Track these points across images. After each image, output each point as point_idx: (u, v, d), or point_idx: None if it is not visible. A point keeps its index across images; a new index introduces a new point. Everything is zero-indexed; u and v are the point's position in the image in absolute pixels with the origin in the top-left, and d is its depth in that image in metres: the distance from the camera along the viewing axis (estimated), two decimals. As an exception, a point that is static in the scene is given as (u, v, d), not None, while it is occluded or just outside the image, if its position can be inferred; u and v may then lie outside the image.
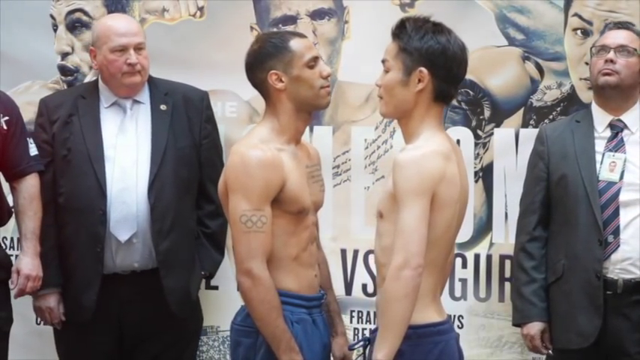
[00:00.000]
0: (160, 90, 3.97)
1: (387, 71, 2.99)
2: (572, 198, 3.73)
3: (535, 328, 3.79)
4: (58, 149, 3.90)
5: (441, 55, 2.93)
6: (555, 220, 3.81)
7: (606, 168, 3.72)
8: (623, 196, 3.68)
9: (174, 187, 3.87)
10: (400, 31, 2.96)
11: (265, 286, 3.08)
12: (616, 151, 3.74)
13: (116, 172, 3.84)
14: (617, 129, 3.78)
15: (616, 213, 3.67)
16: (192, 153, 3.96)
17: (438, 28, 2.96)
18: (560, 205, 3.78)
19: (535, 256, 3.80)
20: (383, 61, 3.00)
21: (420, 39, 2.93)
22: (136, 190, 3.83)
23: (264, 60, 3.17)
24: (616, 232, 3.66)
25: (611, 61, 3.71)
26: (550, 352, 3.84)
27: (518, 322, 3.86)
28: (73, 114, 3.92)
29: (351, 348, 3.30)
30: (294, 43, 3.18)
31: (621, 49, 3.73)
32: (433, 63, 2.93)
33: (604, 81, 3.73)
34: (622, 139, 3.76)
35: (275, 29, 4.17)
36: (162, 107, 3.94)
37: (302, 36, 3.28)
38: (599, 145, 3.77)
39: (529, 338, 3.81)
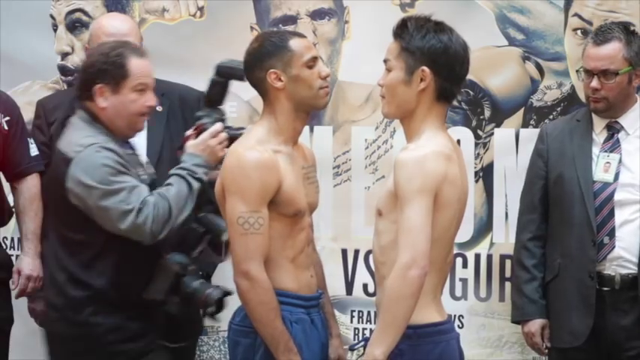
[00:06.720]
0: (157, 91, 3.95)
1: (388, 71, 2.97)
2: (568, 198, 3.73)
3: (536, 325, 3.79)
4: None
5: (443, 54, 2.92)
6: (552, 219, 3.81)
7: (601, 169, 3.72)
8: (618, 196, 3.67)
9: (170, 189, 3.86)
10: (402, 30, 2.95)
11: (263, 287, 3.07)
12: (611, 152, 3.74)
13: (112, 175, 3.83)
14: (614, 130, 3.77)
15: (611, 214, 3.67)
16: (189, 154, 3.95)
17: (440, 27, 2.95)
18: (557, 204, 3.78)
19: (535, 254, 3.80)
20: (385, 61, 2.99)
21: (421, 38, 2.92)
22: (131, 192, 3.82)
23: (263, 59, 3.16)
24: (611, 233, 3.66)
25: (596, 89, 3.68)
26: (546, 350, 3.84)
27: (518, 319, 3.86)
28: (70, 116, 3.90)
29: (352, 348, 3.29)
30: (294, 43, 3.17)
31: (604, 73, 3.67)
32: (435, 62, 2.92)
33: (594, 107, 3.73)
34: (617, 139, 3.75)
35: (275, 29, 4.17)
36: (159, 108, 3.91)
37: (301, 36, 3.27)
38: (596, 146, 3.76)
39: (530, 335, 3.81)
